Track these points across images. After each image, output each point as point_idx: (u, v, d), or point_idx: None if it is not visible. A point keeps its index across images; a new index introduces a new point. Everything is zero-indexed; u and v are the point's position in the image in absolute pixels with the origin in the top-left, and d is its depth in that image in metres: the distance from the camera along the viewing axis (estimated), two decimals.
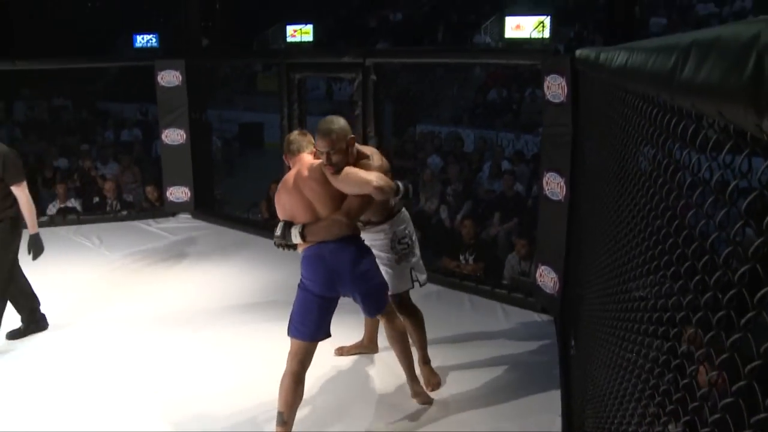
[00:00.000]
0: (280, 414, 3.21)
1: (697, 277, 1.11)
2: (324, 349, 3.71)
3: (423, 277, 3.82)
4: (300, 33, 21.36)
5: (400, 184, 3.34)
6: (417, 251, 3.82)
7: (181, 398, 3.84)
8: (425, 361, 3.93)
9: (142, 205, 8.15)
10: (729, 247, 0.96)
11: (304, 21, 21.30)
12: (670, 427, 1.40)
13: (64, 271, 5.98)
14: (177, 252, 6.67)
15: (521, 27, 17.22)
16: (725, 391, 0.98)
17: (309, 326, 3.23)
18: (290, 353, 3.26)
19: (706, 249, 1.09)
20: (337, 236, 3.20)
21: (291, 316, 3.28)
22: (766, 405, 0.88)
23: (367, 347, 4.30)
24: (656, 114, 1.46)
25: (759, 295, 0.86)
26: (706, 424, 1.10)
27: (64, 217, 7.64)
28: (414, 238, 3.81)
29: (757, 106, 0.73)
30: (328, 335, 3.32)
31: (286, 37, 21.47)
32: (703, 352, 1.08)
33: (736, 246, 0.94)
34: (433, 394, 3.80)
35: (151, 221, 7.69)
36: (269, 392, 3.44)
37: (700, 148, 1.08)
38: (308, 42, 21.03)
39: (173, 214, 7.82)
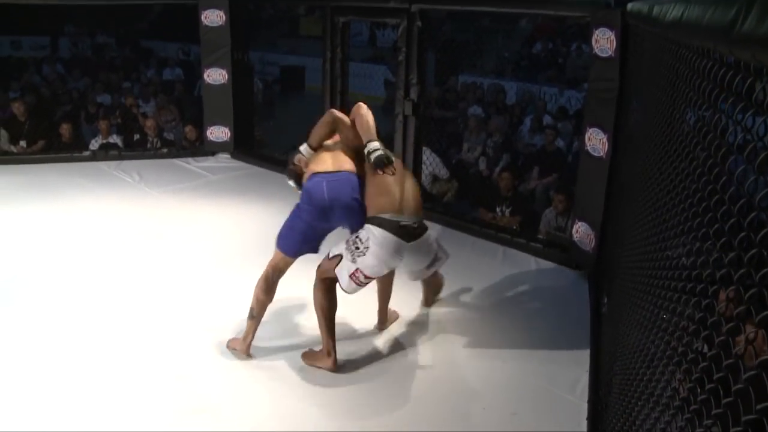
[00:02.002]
0: (251, 309, 3.62)
1: (742, 234, 1.10)
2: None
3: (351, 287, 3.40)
4: None
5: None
6: (368, 260, 3.34)
7: (213, 325, 3.92)
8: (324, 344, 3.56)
9: (182, 143, 8.23)
10: None
11: None
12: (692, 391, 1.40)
13: (104, 205, 6.11)
14: (215, 191, 6.75)
15: None
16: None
17: (293, 245, 3.55)
18: (271, 259, 3.61)
19: (753, 205, 1.08)
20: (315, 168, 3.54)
21: (281, 229, 3.60)
22: None
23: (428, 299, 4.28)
24: (710, 68, 1.42)
25: None
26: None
27: (106, 153, 7.76)
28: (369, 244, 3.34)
29: None
30: (314, 252, 3.59)
31: None
32: (743, 309, 1.07)
33: None
34: (459, 344, 3.85)
35: (190, 159, 7.77)
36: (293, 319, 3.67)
37: (756, 102, 1.06)
38: None
39: (213, 154, 7.88)
